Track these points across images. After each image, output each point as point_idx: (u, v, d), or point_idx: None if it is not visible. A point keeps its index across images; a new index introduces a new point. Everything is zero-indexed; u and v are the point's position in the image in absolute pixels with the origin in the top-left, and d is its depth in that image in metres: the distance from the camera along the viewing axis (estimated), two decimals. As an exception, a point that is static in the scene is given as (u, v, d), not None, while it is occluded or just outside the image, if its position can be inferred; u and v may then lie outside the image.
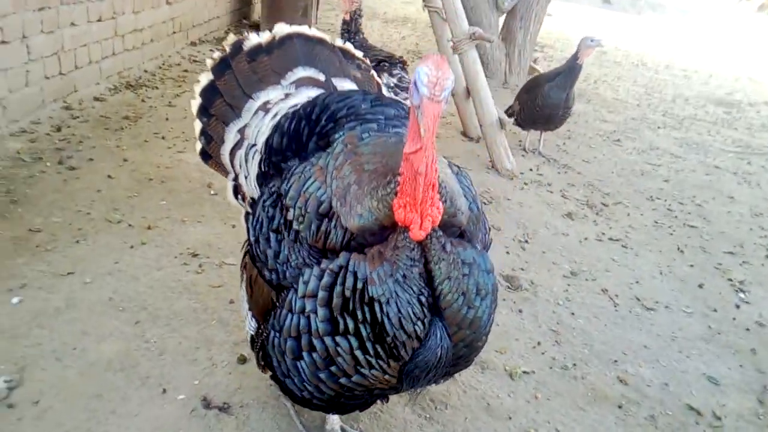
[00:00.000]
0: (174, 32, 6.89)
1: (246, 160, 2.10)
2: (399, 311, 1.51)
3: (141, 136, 4.43)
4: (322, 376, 1.61)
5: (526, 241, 3.93)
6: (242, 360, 2.43)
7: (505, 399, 2.54)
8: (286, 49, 2.17)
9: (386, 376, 1.58)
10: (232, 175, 2.19)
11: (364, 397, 1.75)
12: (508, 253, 3.74)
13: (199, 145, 2.21)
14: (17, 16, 4.02)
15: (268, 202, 1.82)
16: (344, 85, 2.21)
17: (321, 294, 1.56)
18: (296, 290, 1.62)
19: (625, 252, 4.08)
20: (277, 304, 1.72)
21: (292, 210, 1.69)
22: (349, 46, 2.33)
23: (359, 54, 2.35)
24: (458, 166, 1.90)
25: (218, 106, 2.14)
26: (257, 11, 9.61)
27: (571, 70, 5.21)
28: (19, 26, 4.07)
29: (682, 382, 2.86)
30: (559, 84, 5.26)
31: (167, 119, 4.83)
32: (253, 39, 2.16)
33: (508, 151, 4.95)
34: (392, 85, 4.06)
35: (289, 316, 1.63)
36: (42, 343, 2.38)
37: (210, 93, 2.16)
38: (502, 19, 9.08)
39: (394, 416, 2.32)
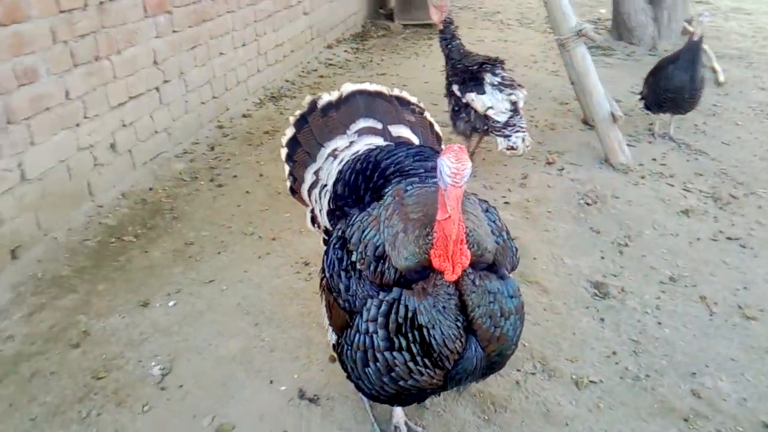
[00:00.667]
0: (312, 38, 7.58)
1: (320, 197, 2.64)
2: (442, 333, 1.91)
3: (276, 150, 5.08)
4: (384, 380, 2.04)
5: (626, 245, 3.93)
6: (332, 359, 2.93)
7: (566, 406, 2.75)
8: (351, 104, 2.66)
9: (434, 381, 2.00)
10: (309, 208, 2.75)
11: (419, 394, 2.17)
12: (603, 258, 3.79)
13: (288, 183, 2.77)
14: (175, 58, 4.88)
15: (337, 245, 2.27)
16: (399, 130, 2.66)
17: (380, 320, 2.00)
18: (362, 316, 2.07)
19: (741, 253, 3.90)
20: (350, 324, 2.17)
21: (355, 253, 2.13)
22: (404, 93, 2.76)
23: (414, 99, 2.78)
24: (487, 202, 2.25)
25: (299, 153, 2.70)
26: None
27: (689, 49, 4.94)
28: (177, 66, 4.93)
29: (764, 398, 2.79)
30: (680, 66, 5.01)
31: (299, 131, 5.50)
32: (325, 98, 2.68)
33: (622, 144, 4.86)
34: (496, 83, 4.40)
35: (358, 335, 2.08)
36: (188, 339, 3.09)
37: (293, 143, 2.71)
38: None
39: (455, 416, 2.67)
